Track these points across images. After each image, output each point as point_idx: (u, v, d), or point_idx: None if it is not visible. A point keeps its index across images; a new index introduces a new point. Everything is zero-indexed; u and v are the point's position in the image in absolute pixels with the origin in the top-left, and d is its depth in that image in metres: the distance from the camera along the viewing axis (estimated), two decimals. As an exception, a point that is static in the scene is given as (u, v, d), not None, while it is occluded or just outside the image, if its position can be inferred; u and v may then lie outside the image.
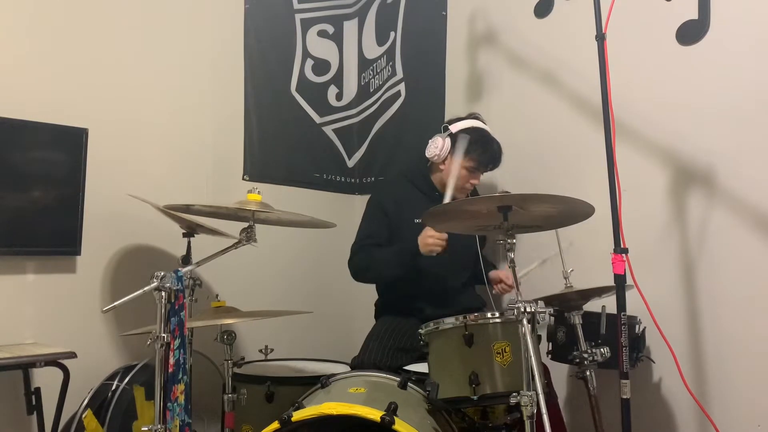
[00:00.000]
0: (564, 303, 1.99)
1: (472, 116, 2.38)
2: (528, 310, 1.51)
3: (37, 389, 2.17)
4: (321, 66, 3.34)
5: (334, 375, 1.94)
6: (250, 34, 3.04)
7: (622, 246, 1.78)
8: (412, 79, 3.17)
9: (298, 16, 3.25)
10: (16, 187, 2.25)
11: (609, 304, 1.90)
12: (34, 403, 2.16)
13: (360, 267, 2.35)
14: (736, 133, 2.02)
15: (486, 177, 2.49)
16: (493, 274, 2.40)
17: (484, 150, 2.28)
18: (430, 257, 2.16)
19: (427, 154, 2.34)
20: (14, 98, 2.28)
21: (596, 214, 1.66)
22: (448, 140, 2.29)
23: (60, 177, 2.35)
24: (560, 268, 2.05)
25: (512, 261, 1.61)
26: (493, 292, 2.41)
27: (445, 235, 2.11)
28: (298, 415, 1.57)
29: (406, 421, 1.54)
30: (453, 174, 2.21)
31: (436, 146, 2.30)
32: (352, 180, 3.42)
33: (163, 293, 1.57)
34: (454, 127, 2.31)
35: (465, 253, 2.35)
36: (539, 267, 2.32)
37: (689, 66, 2.14)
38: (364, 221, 2.43)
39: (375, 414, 1.52)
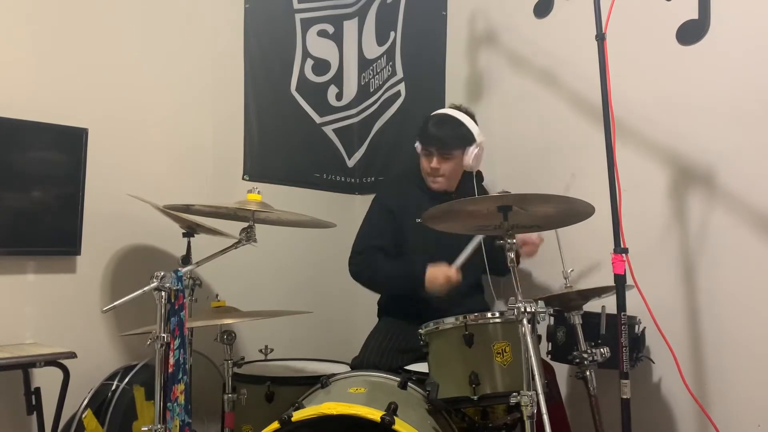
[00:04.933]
0: (564, 303, 1.99)
1: (451, 106, 2.38)
2: (528, 310, 1.51)
3: (37, 389, 2.17)
4: (321, 66, 3.34)
5: (334, 375, 1.94)
6: (250, 34, 3.04)
7: (622, 246, 1.78)
8: (412, 79, 3.17)
9: (298, 16, 3.26)
10: (16, 187, 2.25)
11: (609, 304, 1.90)
12: (34, 403, 2.16)
13: (361, 271, 2.33)
14: (736, 133, 2.01)
15: (486, 177, 2.49)
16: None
17: (425, 129, 2.28)
18: (431, 259, 2.15)
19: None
20: (14, 98, 2.28)
21: (596, 214, 1.66)
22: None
23: (60, 177, 2.35)
24: (560, 268, 2.05)
25: (512, 261, 1.61)
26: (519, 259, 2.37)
27: (457, 278, 2.08)
28: (298, 415, 1.57)
29: (406, 421, 1.54)
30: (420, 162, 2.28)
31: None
32: (352, 180, 3.42)
33: (163, 293, 1.57)
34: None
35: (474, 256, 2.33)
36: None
37: (689, 66, 2.14)
38: (368, 220, 2.41)
39: (375, 414, 1.52)
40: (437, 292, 2.10)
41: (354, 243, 2.38)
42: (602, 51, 1.84)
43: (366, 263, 2.32)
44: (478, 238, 2.14)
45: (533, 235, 2.24)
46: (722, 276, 2.03)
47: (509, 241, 1.61)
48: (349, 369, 2.16)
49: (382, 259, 2.30)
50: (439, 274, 2.10)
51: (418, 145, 2.33)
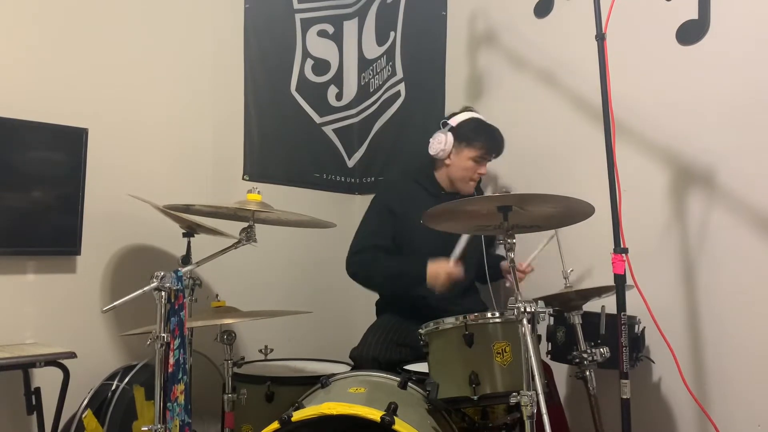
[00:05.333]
0: (564, 303, 1.99)
1: (468, 109, 2.39)
2: (528, 310, 1.51)
3: (37, 389, 2.17)
4: (321, 66, 3.34)
5: (334, 375, 1.94)
6: (250, 34, 3.04)
7: (622, 246, 1.78)
8: (412, 79, 3.17)
9: (298, 16, 3.26)
10: (16, 187, 2.25)
11: (609, 304, 1.90)
12: (34, 403, 2.16)
13: (360, 270, 2.32)
14: (736, 133, 2.01)
15: (486, 177, 2.49)
16: (504, 264, 2.37)
17: (488, 137, 2.30)
18: (431, 255, 2.16)
19: (431, 152, 2.34)
20: (14, 98, 2.28)
21: (596, 214, 1.66)
22: (450, 135, 2.30)
23: (60, 177, 2.35)
24: (560, 268, 2.05)
25: (512, 261, 1.61)
26: (507, 284, 2.39)
27: (458, 273, 2.10)
28: (298, 415, 1.57)
29: (406, 421, 1.54)
30: (461, 167, 2.29)
31: (440, 142, 2.31)
32: (352, 180, 3.42)
33: (163, 293, 1.57)
34: (454, 121, 2.33)
35: (469, 256, 2.33)
36: (549, 244, 2.21)
37: (689, 66, 2.14)
38: (367, 219, 2.40)
39: (375, 414, 1.52)
40: (439, 290, 2.10)
41: (352, 243, 2.37)
42: (602, 51, 1.84)
43: (364, 263, 2.31)
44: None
45: (522, 264, 2.22)
46: (722, 276, 2.03)
47: (509, 240, 1.61)
48: (349, 368, 2.16)
49: (381, 257, 2.30)
50: (440, 271, 2.10)
51: (471, 152, 2.29)
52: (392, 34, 3.27)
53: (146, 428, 1.58)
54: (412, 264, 2.19)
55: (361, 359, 2.20)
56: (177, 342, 1.60)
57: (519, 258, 2.11)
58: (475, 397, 1.66)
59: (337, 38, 3.42)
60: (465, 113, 2.36)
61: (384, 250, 2.32)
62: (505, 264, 2.36)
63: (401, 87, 3.22)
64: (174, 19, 2.75)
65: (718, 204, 2.04)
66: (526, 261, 2.21)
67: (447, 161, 2.34)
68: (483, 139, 2.29)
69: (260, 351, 2.31)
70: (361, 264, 2.31)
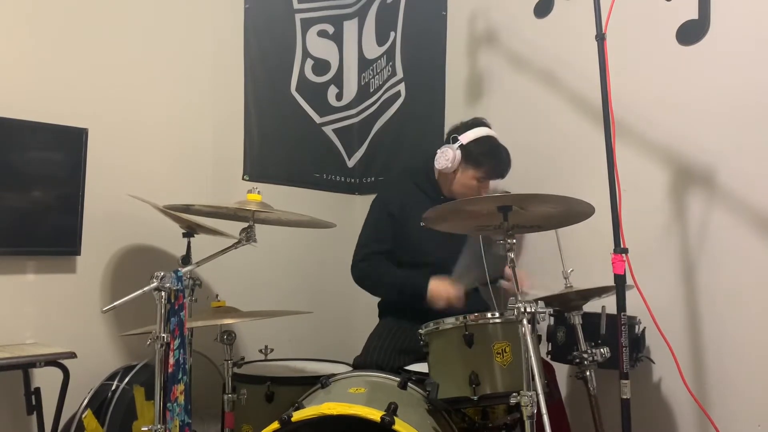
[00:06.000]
0: (564, 303, 1.99)
1: (479, 122, 2.34)
2: (528, 310, 1.51)
3: (37, 389, 2.17)
4: (321, 66, 3.34)
5: (334, 375, 1.94)
6: (250, 34, 3.04)
7: (622, 246, 1.78)
8: (412, 79, 3.17)
9: (298, 16, 3.26)
10: (16, 187, 2.26)
11: (609, 304, 1.90)
12: (34, 403, 2.16)
13: (364, 278, 2.34)
14: (736, 133, 2.01)
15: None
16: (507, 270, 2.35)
17: (497, 161, 2.28)
18: (433, 262, 2.16)
19: (436, 166, 2.31)
20: (14, 98, 2.28)
21: (596, 214, 1.66)
22: (458, 152, 2.26)
23: (60, 177, 2.35)
24: (560, 268, 2.05)
25: (512, 261, 1.61)
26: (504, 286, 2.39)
27: (459, 303, 2.09)
28: (298, 415, 1.57)
29: (406, 421, 1.54)
30: (465, 184, 2.28)
31: (447, 158, 2.26)
32: (352, 180, 3.42)
33: (163, 293, 1.57)
34: (464, 138, 2.27)
35: (469, 262, 2.32)
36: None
37: (689, 66, 2.14)
38: (369, 224, 2.40)
39: (375, 414, 1.52)
40: (438, 307, 2.10)
41: (356, 248, 2.37)
42: (602, 51, 1.84)
43: (369, 271, 2.32)
44: (482, 266, 2.15)
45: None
46: (722, 276, 2.03)
47: (509, 241, 1.61)
48: (349, 369, 2.16)
49: (386, 266, 2.31)
50: (442, 293, 2.11)
51: (477, 173, 2.27)
52: (392, 34, 3.27)
53: (146, 428, 1.58)
54: (416, 279, 2.20)
55: (365, 367, 2.20)
56: (177, 342, 1.60)
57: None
58: (475, 398, 1.66)
59: (337, 38, 3.42)
60: (476, 129, 2.30)
61: (387, 254, 2.33)
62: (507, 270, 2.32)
63: (401, 87, 3.22)
64: (174, 19, 2.75)
65: (718, 204, 2.04)
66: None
67: (450, 176, 2.33)
68: (491, 162, 2.27)
69: (260, 351, 2.31)
70: (368, 272, 2.33)
